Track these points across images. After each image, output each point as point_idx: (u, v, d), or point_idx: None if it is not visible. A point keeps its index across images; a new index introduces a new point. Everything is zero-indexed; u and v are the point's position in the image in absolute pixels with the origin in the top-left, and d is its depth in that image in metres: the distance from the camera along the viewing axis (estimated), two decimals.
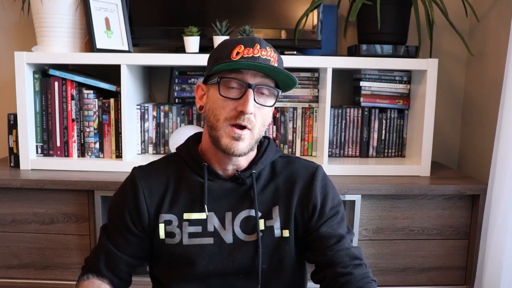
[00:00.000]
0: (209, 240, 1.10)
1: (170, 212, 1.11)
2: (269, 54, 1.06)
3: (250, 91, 1.03)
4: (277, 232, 1.11)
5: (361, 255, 1.10)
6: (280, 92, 1.10)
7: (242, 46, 1.04)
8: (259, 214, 1.11)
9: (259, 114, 1.06)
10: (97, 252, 1.15)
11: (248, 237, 1.10)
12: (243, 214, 1.11)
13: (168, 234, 1.10)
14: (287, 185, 1.14)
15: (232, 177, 1.13)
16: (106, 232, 1.16)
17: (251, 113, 1.03)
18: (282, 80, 1.08)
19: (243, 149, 1.06)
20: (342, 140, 1.92)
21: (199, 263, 1.09)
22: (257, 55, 1.04)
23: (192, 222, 1.10)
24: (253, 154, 1.15)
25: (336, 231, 1.11)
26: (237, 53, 1.04)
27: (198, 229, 1.10)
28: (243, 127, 1.05)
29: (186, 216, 1.10)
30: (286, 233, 1.12)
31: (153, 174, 1.15)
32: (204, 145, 1.14)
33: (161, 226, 1.10)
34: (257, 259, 1.09)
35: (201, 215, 1.10)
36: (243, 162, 1.13)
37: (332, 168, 1.73)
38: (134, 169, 1.17)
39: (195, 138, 1.18)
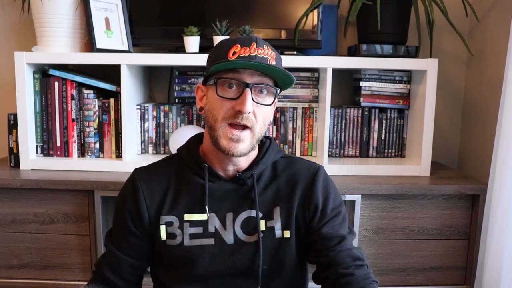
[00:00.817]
0: (210, 241, 1.10)
1: (171, 214, 1.11)
2: (266, 53, 1.05)
3: (248, 90, 1.03)
4: (278, 232, 1.11)
5: (363, 255, 1.10)
6: (279, 91, 1.10)
7: (239, 46, 1.04)
8: (260, 214, 1.11)
9: (259, 113, 1.06)
10: (102, 256, 1.17)
11: (249, 237, 1.10)
12: (244, 215, 1.11)
13: (169, 235, 1.10)
14: (288, 186, 1.14)
15: (233, 178, 1.12)
16: (110, 235, 1.17)
17: (249, 112, 1.03)
18: (280, 78, 1.08)
19: (244, 150, 1.05)
20: (342, 140, 1.92)
21: (200, 264, 1.09)
22: (254, 54, 1.03)
23: (193, 223, 1.10)
24: (254, 154, 1.14)
25: (337, 232, 1.11)
26: (234, 53, 1.03)
27: (199, 230, 1.10)
28: (243, 127, 1.04)
29: (187, 217, 1.10)
30: (287, 233, 1.11)
31: (154, 175, 1.15)
32: (206, 145, 1.14)
33: (162, 228, 1.10)
34: (258, 259, 1.09)
35: (202, 216, 1.10)
36: (244, 162, 1.12)
37: (332, 168, 1.73)
38: (135, 170, 1.17)
39: (196, 139, 1.18)
